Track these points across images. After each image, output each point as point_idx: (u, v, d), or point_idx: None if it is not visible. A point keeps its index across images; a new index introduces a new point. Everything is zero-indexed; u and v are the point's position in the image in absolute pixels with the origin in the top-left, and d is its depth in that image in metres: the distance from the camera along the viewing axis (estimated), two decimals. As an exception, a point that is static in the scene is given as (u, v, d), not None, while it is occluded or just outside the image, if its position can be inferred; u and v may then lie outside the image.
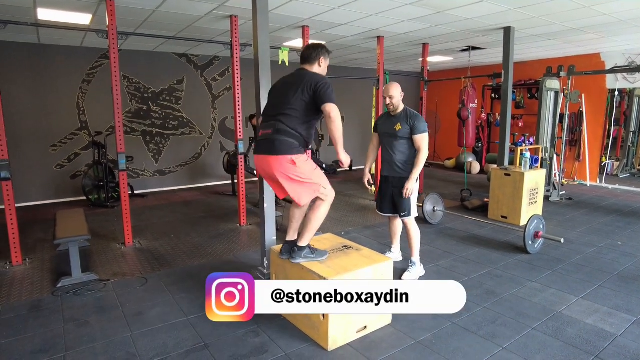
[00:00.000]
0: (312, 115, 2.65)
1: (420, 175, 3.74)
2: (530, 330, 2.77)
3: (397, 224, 3.93)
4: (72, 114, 6.97)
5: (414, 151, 3.53)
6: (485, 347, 2.57)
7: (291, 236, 2.91)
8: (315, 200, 2.76)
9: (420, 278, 3.70)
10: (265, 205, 3.61)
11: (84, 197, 6.62)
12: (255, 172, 7.99)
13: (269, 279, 3.38)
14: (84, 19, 4.95)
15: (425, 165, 3.82)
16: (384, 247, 4.24)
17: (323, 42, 2.62)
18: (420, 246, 3.73)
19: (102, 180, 6.54)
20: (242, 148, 5.23)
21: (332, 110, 2.56)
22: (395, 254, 4.03)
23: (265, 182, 3.62)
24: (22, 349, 2.59)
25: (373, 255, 2.92)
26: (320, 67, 2.81)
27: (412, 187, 3.49)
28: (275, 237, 3.64)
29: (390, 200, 3.70)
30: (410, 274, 3.63)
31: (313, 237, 2.89)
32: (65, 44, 6.65)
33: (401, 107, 3.56)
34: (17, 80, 6.34)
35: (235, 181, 7.31)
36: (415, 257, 3.71)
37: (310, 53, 2.79)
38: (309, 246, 2.81)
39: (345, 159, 2.67)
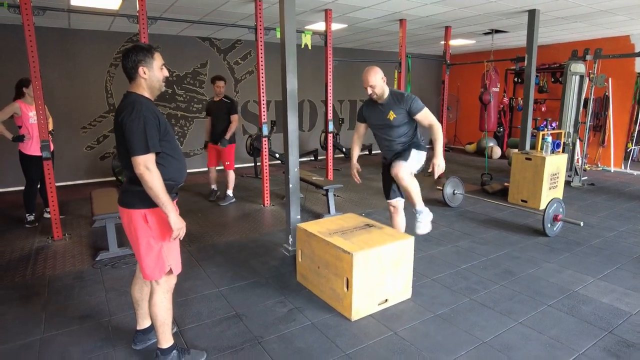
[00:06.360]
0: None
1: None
2: (545, 307, 2.87)
3: (401, 217, 3.55)
4: (101, 97, 7.21)
5: (414, 127, 3.28)
6: (502, 321, 2.69)
7: (141, 324, 2.44)
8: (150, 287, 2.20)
9: (434, 220, 3.56)
10: (290, 186, 3.76)
11: (114, 178, 6.91)
12: (276, 155, 8.17)
13: (294, 255, 3.55)
14: (113, 4, 5.12)
15: (445, 150, 3.57)
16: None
17: (144, 43, 2.15)
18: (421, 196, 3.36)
19: (130, 162, 6.78)
20: (266, 131, 5.37)
21: (139, 165, 1.84)
22: None
23: (289, 164, 3.77)
24: (72, 313, 2.83)
25: (395, 233, 3.05)
26: (145, 80, 2.01)
27: (442, 164, 3.16)
28: (299, 216, 3.81)
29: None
30: (422, 224, 3.39)
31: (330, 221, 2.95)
32: (93, 29, 6.85)
33: (386, 92, 3.19)
34: (49, 64, 6.58)
35: (258, 164, 7.51)
36: (419, 205, 3.36)
37: (125, 65, 1.99)
38: (175, 347, 2.23)
39: (175, 221, 1.96)
